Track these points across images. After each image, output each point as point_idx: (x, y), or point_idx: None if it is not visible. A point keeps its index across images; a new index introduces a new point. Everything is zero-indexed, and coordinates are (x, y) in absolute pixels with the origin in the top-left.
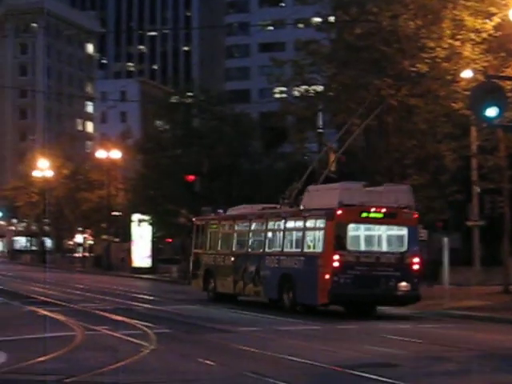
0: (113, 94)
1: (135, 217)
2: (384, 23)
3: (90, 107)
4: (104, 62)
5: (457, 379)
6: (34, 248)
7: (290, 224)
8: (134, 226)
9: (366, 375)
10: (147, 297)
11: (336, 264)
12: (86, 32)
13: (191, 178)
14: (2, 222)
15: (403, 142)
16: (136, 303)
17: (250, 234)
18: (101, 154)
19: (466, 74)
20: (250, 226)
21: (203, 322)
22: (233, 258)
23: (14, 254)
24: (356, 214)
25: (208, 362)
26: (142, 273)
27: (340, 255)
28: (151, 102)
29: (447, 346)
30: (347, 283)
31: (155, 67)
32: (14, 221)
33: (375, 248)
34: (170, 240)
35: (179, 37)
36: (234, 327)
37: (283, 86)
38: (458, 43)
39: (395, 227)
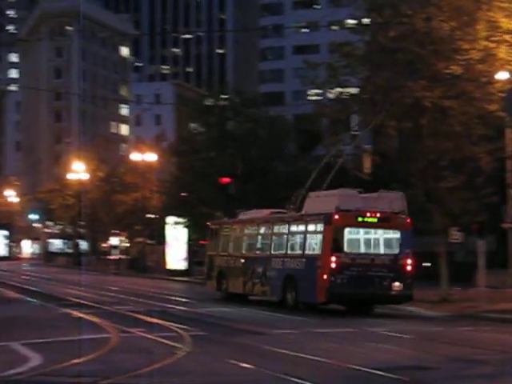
0: (147, 97)
1: (170, 219)
2: (418, 25)
3: (124, 110)
4: (138, 64)
5: (493, 382)
6: (68, 250)
7: (293, 228)
8: (168, 229)
9: (400, 378)
10: (182, 299)
11: (333, 265)
12: (120, 35)
13: (226, 180)
14: (37, 225)
15: (438, 144)
16: (170, 305)
17: (258, 238)
18: (136, 156)
19: (501, 75)
20: (258, 230)
21: (237, 324)
22: (243, 260)
23: (49, 256)
24: (352, 218)
25: (242, 364)
26: (176, 275)
27: (337, 257)
28: (186, 105)
29: (482, 348)
30: (344, 283)
31: (190, 70)
32: (50, 223)
33: (370, 250)
34: (205, 242)
35: (214, 39)
36: (268, 329)
37: (317, 89)
38: (492, 45)
39: (389, 231)
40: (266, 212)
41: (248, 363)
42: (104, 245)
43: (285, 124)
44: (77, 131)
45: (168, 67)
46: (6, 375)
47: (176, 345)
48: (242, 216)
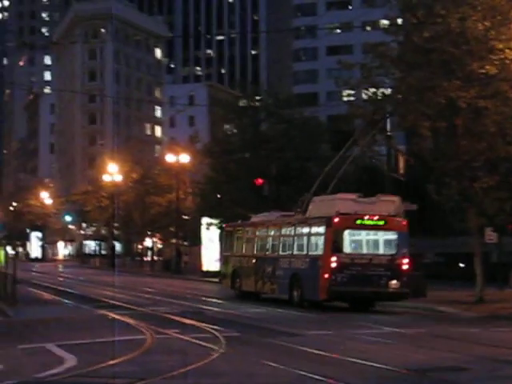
0: (181, 99)
1: (204, 220)
2: (452, 25)
3: (158, 112)
4: (172, 66)
5: None
6: (103, 252)
7: (299, 230)
8: (203, 230)
9: (436, 379)
10: (216, 300)
11: (334, 265)
12: (153, 37)
13: (260, 181)
14: (71, 227)
15: (473, 144)
16: (205, 306)
17: (268, 239)
18: (170, 158)
19: None
20: (267, 232)
21: (271, 325)
22: (254, 260)
23: (83, 257)
24: (351, 221)
25: (277, 365)
26: (211, 276)
27: (337, 257)
28: (219, 106)
29: None
30: (344, 281)
31: (223, 71)
32: (84, 225)
33: (369, 251)
34: None
35: (247, 40)
36: (302, 330)
37: (351, 89)
38: None
39: (386, 232)
40: (275, 215)
41: (282, 364)
42: (138, 246)
43: (318, 125)
44: (111, 133)
45: (201, 69)
46: (42, 376)
47: (210, 346)
48: (254, 219)
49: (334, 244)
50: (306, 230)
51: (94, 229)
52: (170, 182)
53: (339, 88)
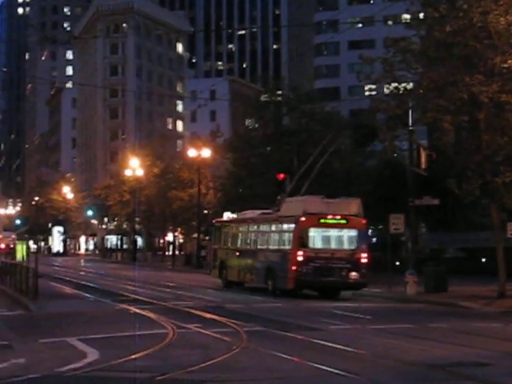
0: (202, 93)
1: (225, 215)
2: (474, 19)
3: (180, 106)
4: (194, 61)
5: None
6: (124, 246)
7: (273, 227)
8: None
9: (457, 374)
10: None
11: (300, 258)
12: (175, 31)
13: (281, 176)
14: (93, 221)
15: (495, 138)
16: (226, 301)
17: (249, 234)
18: (191, 152)
19: None
20: (248, 228)
21: (293, 320)
22: (238, 253)
23: (105, 252)
24: (316, 220)
25: (298, 359)
26: None
27: (303, 251)
28: (240, 101)
29: None
30: (309, 273)
31: (244, 66)
32: (106, 219)
33: (331, 246)
34: None
35: (268, 35)
36: (324, 325)
37: (373, 84)
38: None
39: (347, 230)
40: (257, 212)
41: (303, 359)
42: (160, 241)
43: (340, 119)
44: (132, 128)
45: (223, 63)
46: (64, 370)
47: (232, 340)
48: (238, 216)
49: (300, 240)
50: (278, 227)
51: (115, 223)
52: (192, 177)
53: (361, 82)
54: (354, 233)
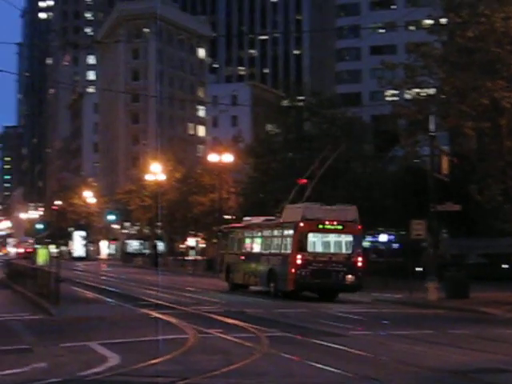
0: (224, 98)
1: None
2: (497, 25)
3: (201, 111)
4: (215, 66)
5: None
6: (145, 251)
7: (275, 232)
8: None
9: (478, 380)
10: (259, 299)
11: (299, 262)
12: (197, 36)
13: (303, 181)
14: (115, 226)
15: None
16: (248, 306)
17: (253, 240)
18: (212, 157)
19: None
20: (252, 234)
21: (314, 325)
22: (242, 257)
23: (126, 257)
24: (314, 225)
25: (319, 365)
26: None
27: (302, 255)
28: (262, 106)
29: None
30: (307, 275)
31: (266, 71)
32: (127, 224)
33: (329, 250)
34: None
35: (290, 40)
36: (345, 331)
37: (395, 89)
38: None
39: (343, 235)
40: (261, 219)
41: (325, 365)
42: (181, 246)
43: (362, 125)
44: (154, 133)
45: (244, 68)
46: (85, 374)
47: (253, 346)
48: (244, 222)
49: (299, 244)
50: (279, 232)
51: (136, 228)
52: (213, 182)
53: (382, 88)
54: (350, 238)
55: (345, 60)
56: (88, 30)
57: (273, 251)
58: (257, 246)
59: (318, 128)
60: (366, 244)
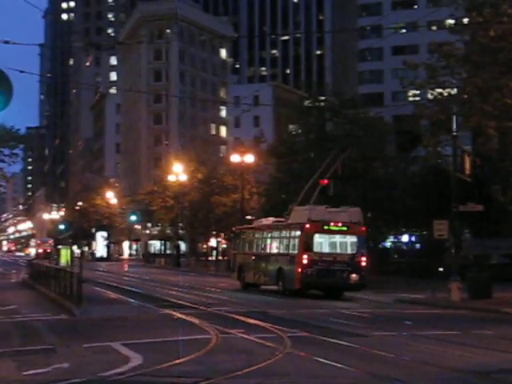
0: (246, 99)
1: None
2: None
3: (223, 112)
4: (237, 66)
5: None
6: (168, 252)
7: (283, 233)
8: None
9: (501, 381)
10: (280, 300)
11: (305, 261)
12: (219, 37)
13: (325, 181)
14: (137, 226)
15: None
16: (270, 307)
17: (263, 240)
18: (234, 158)
19: None
20: (262, 235)
21: (336, 326)
22: (253, 257)
23: (148, 257)
24: (320, 226)
25: (341, 365)
26: None
27: (308, 255)
28: (284, 106)
29: None
30: (313, 274)
31: (288, 71)
32: (149, 225)
33: (334, 250)
34: None
35: (312, 40)
36: (367, 331)
37: (417, 89)
38: None
39: (348, 236)
40: (271, 220)
41: (347, 365)
42: (203, 246)
43: (384, 125)
44: (176, 133)
45: (266, 69)
46: (108, 375)
47: (275, 346)
48: (254, 223)
49: (306, 245)
50: (287, 233)
51: (159, 228)
52: (235, 182)
53: (405, 88)
54: (354, 239)
55: (367, 60)
56: (110, 31)
57: (281, 251)
58: (266, 247)
59: (340, 128)
60: (388, 244)
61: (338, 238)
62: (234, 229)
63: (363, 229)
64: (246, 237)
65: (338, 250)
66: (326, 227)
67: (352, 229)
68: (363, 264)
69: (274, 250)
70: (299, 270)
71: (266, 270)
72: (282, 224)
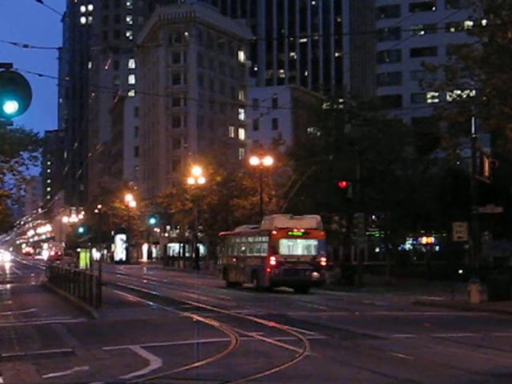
0: (264, 101)
1: None
2: None
3: (241, 114)
4: (255, 69)
5: None
6: (187, 254)
7: (256, 239)
8: None
9: None
10: (299, 303)
11: (273, 262)
12: (237, 40)
13: (344, 184)
14: (156, 229)
15: None
16: (288, 309)
17: (242, 245)
18: (253, 160)
19: None
20: (241, 240)
21: (355, 328)
22: (234, 259)
23: (167, 260)
24: (285, 232)
25: (361, 368)
26: None
27: (275, 257)
28: (303, 109)
29: None
30: (280, 273)
31: (306, 74)
32: (168, 228)
33: (297, 252)
34: None
35: (330, 43)
36: (387, 333)
37: (435, 91)
38: None
39: (309, 240)
40: (249, 227)
41: (367, 367)
42: None
43: (402, 127)
44: (194, 136)
45: (285, 71)
46: (127, 378)
47: (295, 348)
48: (236, 230)
49: (273, 248)
50: (259, 238)
51: (177, 231)
52: (254, 185)
53: (423, 90)
54: (314, 242)
55: (385, 62)
56: (128, 34)
57: (255, 254)
58: (244, 250)
59: (359, 130)
60: (407, 246)
61: (300, 242)
62: (219, 234)
63: (322, 233)
64: (228, 242)
65: (301, 252)
66: (289, 233)
67: (312, 234)
68: (323, 263)
69: (250, 253)
70: (268, 270)
71: (244, 270)
72: (255, 231)
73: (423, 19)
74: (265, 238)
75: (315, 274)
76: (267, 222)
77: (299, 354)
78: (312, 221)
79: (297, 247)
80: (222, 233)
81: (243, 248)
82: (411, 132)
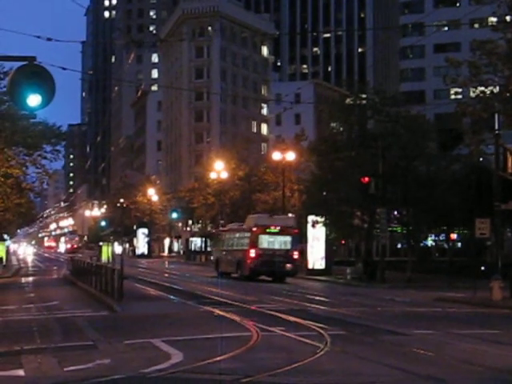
0: (287, 96)
1: (310, 218)
2: None
3: (264, 109)
4: (278, 64)
5: None
6: (208, 249)
7: (240, 234)
8: (308, 228)
9: None
10: (321, 298)
11: (253, 255)
12: (260, 34)
13: (366, 179)
14: (178, 223)
15: None
16: (310, 304)
17: (230, 239)
18: (276, 155)
19: None
20: (230, 235)
21: (377, 324)
22: (224, 252)
23: (189, 254)
24: (263, 229)
25: (383, 364)
26: (316, 274)
27: (255, 250)
28: (325, 104)
29: None
30: (258, 264)
31: (329, 69)
32: (190, 222)
33: (274, 247)
34: (343, 242)
35: (353, 38)
36: (408, 329)
37: (459, 87)
38: None
39: (284, 236)
40: (237, 224)
41: (388, 363)
42: None
43: (425, 123)
44: (217, 131)
45: (308, 66)
46: (148, 371)
47: (316, 344)
48: (227, 227)
49: (253, 243)
50: (243, 234)
51: (199, 225)
52: (276, 180)
53: (447, 86)
54: (289, 238)
55: (408, 58)
56: (152, 29)
57: (239, 248)
58: (232, 244)
59: (382, 126)
60: (429, 243)
61: (276, 238)
62: (213, 231)
63: (296, 231)
64: (220, 237)
65: (277, 247)
66: (268, 230)
67: (287, 231)
68: (295, 257)
69: (236, 247)
70: (248, 261)
71: (231, 262)
72: (239, 228)
73: (447, 15)
74: (247, 234)
75: (289, 265)
76: (250, 220)
77: (320, 349)
78: (287, 219)
79: (274, 242)
80: (216, 229)
81: (231, 242)
82: (434, 128)
